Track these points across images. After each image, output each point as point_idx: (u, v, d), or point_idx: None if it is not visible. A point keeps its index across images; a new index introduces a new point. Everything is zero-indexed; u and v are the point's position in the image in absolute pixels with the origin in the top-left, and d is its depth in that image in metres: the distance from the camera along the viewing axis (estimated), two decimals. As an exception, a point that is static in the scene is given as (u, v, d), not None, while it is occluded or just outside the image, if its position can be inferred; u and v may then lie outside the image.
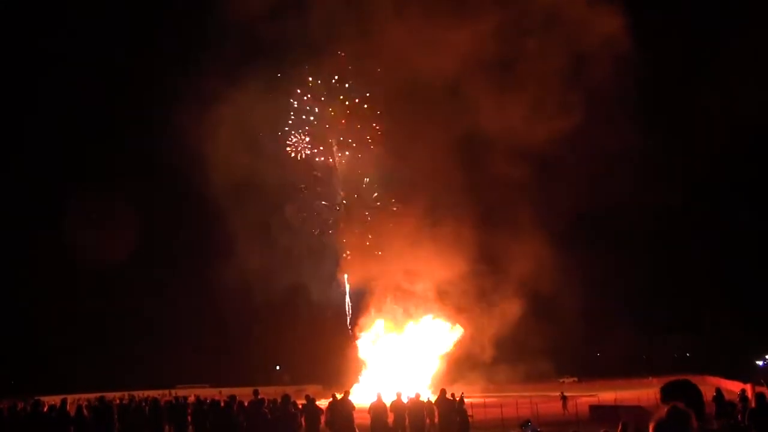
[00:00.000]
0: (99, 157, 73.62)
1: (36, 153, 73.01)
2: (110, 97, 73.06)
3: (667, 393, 3.42)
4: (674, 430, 3.24)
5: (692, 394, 3.41)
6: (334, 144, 65.36)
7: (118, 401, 27.55)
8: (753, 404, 10.50)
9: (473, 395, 39.16)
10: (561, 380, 67.61)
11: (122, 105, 73.63)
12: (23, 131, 75.52)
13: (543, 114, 53.63)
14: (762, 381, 31.46)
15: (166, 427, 21.22)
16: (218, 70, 60.89)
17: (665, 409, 3.28)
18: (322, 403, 19.08)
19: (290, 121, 64.35)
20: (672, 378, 3.89)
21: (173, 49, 70.03)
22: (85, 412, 19.04)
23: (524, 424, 13.20)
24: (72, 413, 17.89)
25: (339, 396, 18.27)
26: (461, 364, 58.38)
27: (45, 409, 17.81)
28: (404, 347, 60.68)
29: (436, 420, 20.19)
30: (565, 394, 38.84)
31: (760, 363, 75.28)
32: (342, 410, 17.48)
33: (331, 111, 63.93)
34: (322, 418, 17.60)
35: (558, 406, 36.60)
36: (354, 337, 62.53)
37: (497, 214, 58.94)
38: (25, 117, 75.32)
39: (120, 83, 72.48)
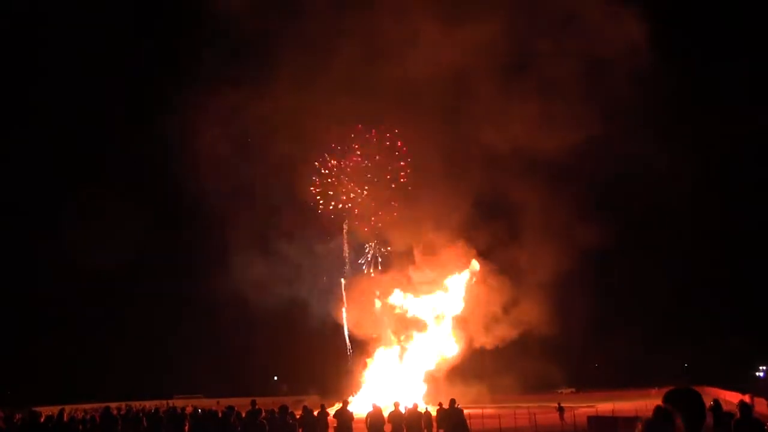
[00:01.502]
0: (98, 164, 73.62)
1: (33, 156, 72.91)
2: (110, 104, 73.09)
3: (669, 401, 3.53)
4: (662, 428, 3.40)
5: (694, 402, 3.52)
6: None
7: (116, 412, 27.49)
8: (738, 414, 10.49)
9: (471, 406, 39.09)
10: (559, 391, 67.57)
11: (122, 110, 73.82)
12: (19, 135, 75.30)
13: (556, 122, 53.55)
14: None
15: (164, 437, 21.16)
16: (218, 74, 60.71)
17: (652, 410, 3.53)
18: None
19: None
20: (673, 387, 4.02)
21: (172, 53, 70.10)
22: (80, 427, 18.98)
23: None
24: (77, 424, 17.88)
25: (334, 408, 18.27)
26: (461, 373, 58.31)
27: (42, 420, 17.77)
28: (403, 358, 60.62)
29: (434, 430, 20.16)
30: (562, 404, 38.96)
31: (759, 374, 75.15)
32: (342, 420, 17.48)
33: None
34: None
35: (556, 417, 36.73)
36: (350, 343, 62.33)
37: (498, 219, 59.09)
38: (21, 122, 75.36)
39: (119, 87, 72.63)
